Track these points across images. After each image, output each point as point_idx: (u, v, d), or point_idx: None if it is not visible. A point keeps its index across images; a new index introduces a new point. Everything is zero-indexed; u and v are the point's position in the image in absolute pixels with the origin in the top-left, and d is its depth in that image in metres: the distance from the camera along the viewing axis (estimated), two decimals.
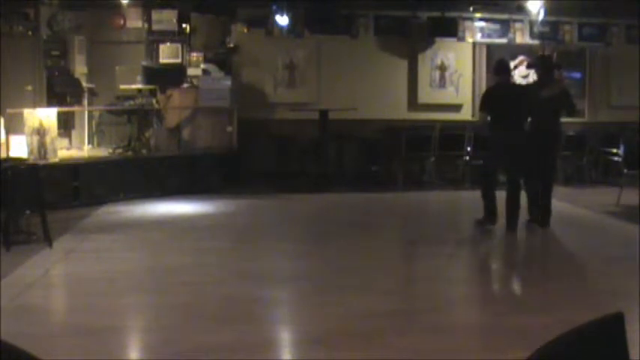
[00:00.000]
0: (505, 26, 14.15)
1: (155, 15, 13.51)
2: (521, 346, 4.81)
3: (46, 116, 10.59)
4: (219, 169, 12.47)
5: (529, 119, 9.10)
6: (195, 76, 12.97)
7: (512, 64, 11.92)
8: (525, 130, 9.02)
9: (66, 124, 12.26)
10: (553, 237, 8.99)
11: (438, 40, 14.01)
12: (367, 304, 5.91)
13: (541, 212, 9.09)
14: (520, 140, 8.84)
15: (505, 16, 14.06)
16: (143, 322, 5.78)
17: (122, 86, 12.40)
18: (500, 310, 6.07)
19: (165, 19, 13.51)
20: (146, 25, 13.57)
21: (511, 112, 8.85)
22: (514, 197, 8.82)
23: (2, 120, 10.73)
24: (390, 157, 13.38)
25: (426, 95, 14.06)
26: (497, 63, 9.56)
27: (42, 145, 10.43)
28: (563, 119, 9.53)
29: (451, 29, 13.97)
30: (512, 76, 10.51)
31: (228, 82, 12.86)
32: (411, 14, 13.77)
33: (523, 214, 9.00)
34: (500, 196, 8.94)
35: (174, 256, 7.86)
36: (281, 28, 13.47)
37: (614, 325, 1.86)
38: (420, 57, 14.04)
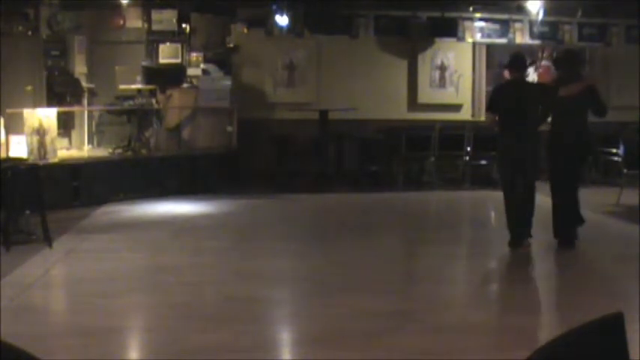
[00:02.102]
0: (505, 26, 14.15)
1: (155, 15, 13.50)
2: (521, 346, 4.81)
3: (46, 116, 10.59)
4: (219, 169, 12.46)
5: (549, 121, 8.12)
6: (195, 76, 12.97)
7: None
8: (539, 134, 8.04)
9: (66, 124, 12.25)
10: (553, 237, 8.97)
11: (438, 40, 14.02)
12: (367, 304, 5.91)
13: (560, 229, 8.05)
14: (533, 145, 7.88)
15: (505, 16, 14.07)
16: (143, 322, 5.79)
17: (122, 86, 12.40)
18: (500, 310, 6.08)
19: (165, 19, 13.51)
20: (146, 25, 13.57)
21: (524, 113, 7.82)
22: (528, 209, 7.93)
23: (2, 120, 10.73)
24: (390, 157, 13.37)
25: (425, 95, 14.06)
26: (513, 58, 8.30)
27: (42, 145, 10.43)
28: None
29: (451, 29, 13.98)
30: (527, 74, 9.21)
31: (228, 82, 12.86)
32: (411, 14, 13.78)
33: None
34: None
35: (173, 256, 7.86)
36: (281, 28, 13.47)
37: (614, 325, 1.85)
38: (420, 57, 14.04)
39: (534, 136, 7.92)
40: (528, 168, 7.88)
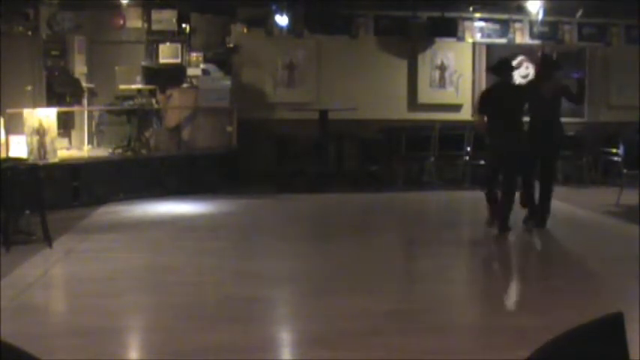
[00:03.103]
0: (505, 26, 14.14)
1: (155, 15, 13.51)
2: (521, 346, 4.81)
3: (46, 116, 10.59)
4: (219, 169, 12.46)
5: (528, 118, 9.01)
6: (195, 76, 12.96)
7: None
8: (524, 131, 8.90)
9: (66, 124, 12.26)
10: (553, 237, 8.99)
11: (438, 40, 14.01)
12: (367, 304, 5.91)
13: (540, 213, 9.00)
14: (520, 142, 8.66)
15: (505, 16, 14.06)
16: (143, 322, 5.78)
17: (122, 86, 12.40)
18: (500, 310, 6.08)
19: (165, 19, 13.52)
20: (146, 25, 13.58)
21: (511, 114, 8.62)
22: (509, 199, 8.68)
23: (2, 120, 10.73)
24: (390, 157, 13.37)
25: (425, 95, 14.05)
26: (499, 62, 9.27)
27: (42, 145, 10.43)
28: (565, 119, 9.51)
29: (451, 29, 13.97)
30: (513, 76, 10.17)
31: (228, 82, 12.86)
32: (411, 14, 13.76)
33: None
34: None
35: (174, 256, 7.86)
36: (281, 28, 13.46)
37: (614, 325, 1.86)
38: (420, 57, 14.04)
39: (520, 132, 8.76)
40: (515, 161, 8.64)
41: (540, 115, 8.90)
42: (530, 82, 9.37)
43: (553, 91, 8.94)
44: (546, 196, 9.01)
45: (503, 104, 8.60)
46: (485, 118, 8.84)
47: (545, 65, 9.50)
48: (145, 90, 12.33)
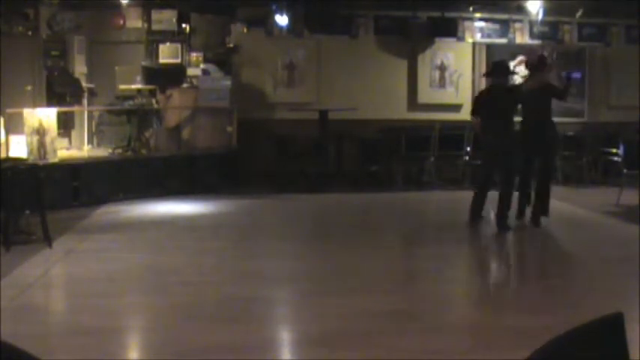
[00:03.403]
0: (505, 26, 14.14)
1: (155, 15, 13.51)
2: (521, 346, 4.80)
3: (46, 116, 10.59)
4: (219, 169, 12.46)
5: (521, 118, 9.21)
6: (195, 76, 12.96)
7: (511, 64, 11.90)
8: (516, 132, 9.09)
9: (66, 124, 12.26)
10: (553, 237, 8.99)
11: (437, 40, 14.01)
12: (367, 304, 5.91)
13: (536, 210, 9.08)
14: (514, 142, 8.87)
15: (505, 16, 14.06)
16: (143, 322, 5.78)
17: (122, 86, 12.40)
18: (500, 310, 6.07)
19: (165, 19, 13.51)
20: (146, 25, 13.58)
21: (505, 115, 8.81)
22: (507, 198, 8.79)
23: (2, 120, 10.73)
24: (390, 157, 13.37)
25: (425, 95, 14.05)
26: (495, 64, 9.44)
27: (42, 145, 10.43)
28: (564, 119, 9.57)
29: (451, 29, 13.97)
30: (509, 79, 10.27)
31: (228, 82, 12.86)
32: (411, 14, 13.76)
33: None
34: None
35: (174, 256, 7.86)
36: (281, 28, 13.46)
37: (614, 325, 1.86)
38: (419, 57, 14.04)
39: (513, 132, 9.03)
40: (511, 161, 8.87)
41: (532, 116, 9.06)
42: (522, 83, 9.53)
43: (541, 91, 9.11)
44: (542, 196, 9.06)
45: (498, 105, 8.75)
46: (480, 119, 8.97)
47: (533, 65, 9.63)
48: (145, 90, 12.33)
